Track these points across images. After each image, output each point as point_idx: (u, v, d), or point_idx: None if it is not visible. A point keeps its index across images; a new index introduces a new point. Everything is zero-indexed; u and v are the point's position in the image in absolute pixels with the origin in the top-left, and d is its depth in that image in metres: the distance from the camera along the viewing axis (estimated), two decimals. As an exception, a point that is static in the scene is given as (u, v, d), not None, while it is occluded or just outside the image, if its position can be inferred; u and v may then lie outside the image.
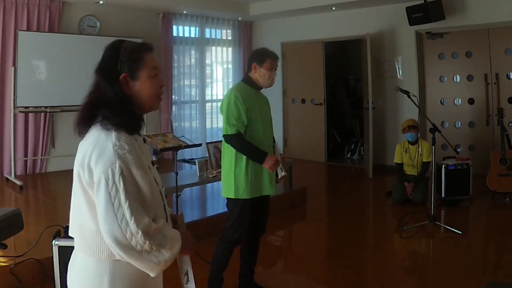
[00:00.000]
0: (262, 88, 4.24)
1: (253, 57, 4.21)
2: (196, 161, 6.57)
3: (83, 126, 2.10)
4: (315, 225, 6.92)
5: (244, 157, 4.07)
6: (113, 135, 2.00)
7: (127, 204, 1.91)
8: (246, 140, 4.04)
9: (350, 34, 10.50)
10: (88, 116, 2.08)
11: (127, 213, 1.90)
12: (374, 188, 9.06)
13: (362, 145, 11.24)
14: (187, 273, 2.34)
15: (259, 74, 4.14)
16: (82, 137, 2.11)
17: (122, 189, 1.91)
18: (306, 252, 5.77)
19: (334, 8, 10.27)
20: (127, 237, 1.88)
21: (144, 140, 2.20)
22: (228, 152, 4.16)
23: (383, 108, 10.19)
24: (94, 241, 2.01)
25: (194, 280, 2.32)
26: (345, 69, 12.94)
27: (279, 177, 4.23)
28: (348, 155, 11.73)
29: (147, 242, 1.91)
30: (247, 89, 4.15)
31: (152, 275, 2.01)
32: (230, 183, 4.13)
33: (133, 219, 1.89)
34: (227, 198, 4.21)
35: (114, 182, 1.91)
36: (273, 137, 4.42)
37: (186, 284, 2.35)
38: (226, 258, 4.26)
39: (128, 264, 1.99)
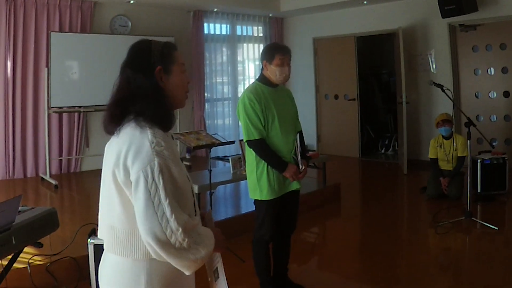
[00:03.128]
0: (278, 85, 4.15)
1: (263, 54, 4.12)
2: (230, 159, 6.56)
3: (113, 124, 2.07)
4: (349, 222, 6.86)
5: None
6: (148, 132, 1.98)
7: (167, 201, 1.89)
8: (269, 147, 4.01)
9: (382, 28, 10.37)
10: (120, 113, 2.06)
11: (167, 210, 1.89)
12: (408, 183, 8.95)
13: (396, 140, 11.10)
14: (216, 270, 2.32)
15: (270, 72, 4.05)
16: (110, 135, 2.11)
17: (161, 186, 1.90)
18: (340, 249, 5.72)
19: (365, 2, 10.16)
20: (167, 234, 1.87)
21: (172, 137, 2.17)
22: (250, 154, 4.14)
23: (416, 102, 10.04)
24: (129, 241, 2.01)
25: (225, 277, 2.30)
26: (378, 64, 12.79)
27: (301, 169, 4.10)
28: (382, 151, 11.60)
29: (186, 240, 1.90)
30: (261, 88, 4.07)
31: (187, 273, 2.00)
32: (254, 184, 4.12)
33: (173, 216, 1.88)
34: (254, 199, 4.20)
35: (153, 179, 1.90)
36: (298, 130, 4.32)
37: (215, 281, 2.33)
38: (265, 258, 4.25)
39: (163, 263, 1.98)
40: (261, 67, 4.15)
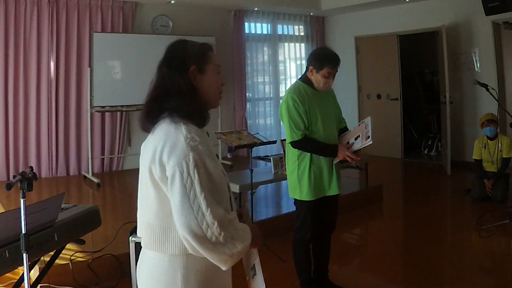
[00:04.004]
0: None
1: (312, 59, 4.02)
2: (271, 158, 6.53)
3: (149, 121, 2.12)
4: (391, 223, 6.77)
5: (306, 158, 4.01)
6: (183, 128, 2.02)
7: (203, 195, 1.91)
8: (314, 140, 3.97)
9: (424, 26, 10.18)
10: (156, 110, 2.10)
11: (203, 204, 1.90)
12: (452, 185, 8.78)
13: (440, 140, 10.89)
14: (253, 268, 2.31)
15: (314, 78, 4.00)
16: (147, 133, 2.15)
17: (197, 181, 1.92)
18: (382, 251, 5.65)
19: (407, 0, 10.00)
20: (203, 228, 1.89)
21: (208, 134, 2.19)
22: (291, 154, 4.12)
23: (460, 102, 9.84)
24: (166, 236, 2.04)
25: (262, 274, 2.28)
26: (421, 63, 12.56)
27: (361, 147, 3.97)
28: (425, 151, 11.41)
29: (222, 234, 1.91)
30: (305, 89, 4.03)
31: (224, 268, 2.01)
32: (294, 184, 4.10)
33: (209, 210, 1.90)
34: (294, 198, 4.17)
35: (188, 174, 1.92)
36: (343, 127, 4.29)
37: (253, 278, 2.31)
38: (305, 257, 4.23)
39: (200, 258, 2.00)
40: (306, 67, 4.08)
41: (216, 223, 1.89)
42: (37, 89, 8.52)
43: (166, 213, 2.01)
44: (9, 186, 2.70)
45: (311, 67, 3.98)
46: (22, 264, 2.88)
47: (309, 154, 4.00)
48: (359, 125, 4.06)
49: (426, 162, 10.79)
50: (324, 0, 11.03)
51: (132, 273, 4.07)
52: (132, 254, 3.95)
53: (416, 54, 12.25)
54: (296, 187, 4.06)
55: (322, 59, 3.96)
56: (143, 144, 2.19)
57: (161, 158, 1.97)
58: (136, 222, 2.21)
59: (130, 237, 4.00)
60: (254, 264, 2.31)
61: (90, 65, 8.54)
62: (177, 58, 2.13)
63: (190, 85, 2.09)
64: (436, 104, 10.85)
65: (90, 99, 8.47)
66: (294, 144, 3.98)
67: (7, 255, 2.98)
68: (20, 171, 2.93)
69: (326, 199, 4.11)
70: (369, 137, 3.86)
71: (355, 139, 4.00)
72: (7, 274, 3.58)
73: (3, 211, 4.13)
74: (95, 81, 8.42)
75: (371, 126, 3.91)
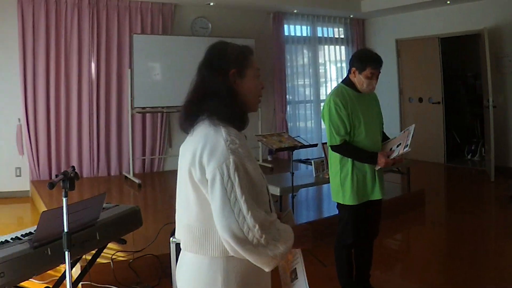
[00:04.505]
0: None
1: (354, 60, 3.98)
2: (312, 162, 6.49)
3: (188, 122, 2.15)
4: (434, 229, 6.67)
5: (349, 162, 3.97)
6: (222, 130, 2.02)
7: (243, 198, 1.91)
8: (354, 146, 3.94)
9: (466, 28, 9.97)
10: (195, 111, 2.12)
11: (244, 207, 1.90)
12: (496, 191, 8.59)
13: (483, 145, 10.65)
14: (294, 271, 2.28)
15: (357, 80, 3.95)
16: (187, 134, 2.16)
17: (237, 183, 1.92)
18: (424, 257, 5.56)
19: (449, 2, 9.82)
20: (244, 231, 1.89)
21: (245, 137, 2.16)
22: (334, 158, 4.09)
23: (504, 106, 9.63)
24: (206, 239, 2.04)
25: (306, 278, 2.23)
26: (463, 66, 12.33)
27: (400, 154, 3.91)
28: (469, 156, 11.17)
29: (264, 236, 1.91)
30: (347, 92, 3.99)
31: (266, 269, 2.01)
32: (337, 188, 4.06)
33: (250, 213, 1.90)
34: (336, 202, 4.13)
35: (229, 177, 1.93)
36: (383, 133, 4.23)
37: (292, 282, 2.27)
38: (347, 262, 4.19)
39: (241, 260, 2.00)
40: (348, 70, 4.04)
41: (257, 226, 1.89)
42: (79, 90, 8.62)
43: (206, 215, 2.02)
44: (51, 185, 2.73)
45: (353, 69, 3.94)
46: (64, 262, 2.91)
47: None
48: (403, 132, 4.00)
49: (469, 167, 10.58)
50: (364, 2, 10.90)
51: (173, 274, 4.08)
52: (173, 254, 3.95)
53: (458, 57, 12.03)
54: (339, 190, 4.02)
55: (365, 59, 3.92)
56: (182, 145, 2.21)
57: (201, 161, 1.99)
58: (176, 223, 2.20)
59: (171, 238, 4.01)
60: (295, 267, 2.27)
61: (130, 67, 8.60)
62: (217, 61, 2.13)
63: (229, 88, 2.10)
64: (479, 108, 10.61)
65: (131, 100, 8.53)
66: (332, 148, 3.98)
67: (49, 253, 3.01)
68: (62, 170, 2.94)
69: (370, 204, 4.06)
70: (407, 145, 3.82)
71: (397, 146, 3.94)
72: (48, 272, 3.63)
73: (46, 209, 4.17)
74: (136, 82, 8.47)
75: (412, 134, 3.87)
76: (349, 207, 4.00)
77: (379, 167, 3.93)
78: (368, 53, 4.02)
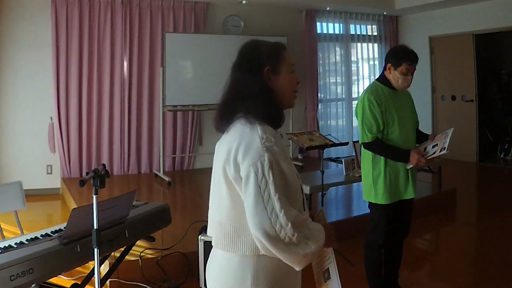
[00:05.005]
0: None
1: (390, 56, 3.97)
2: (343, 160, 6.48)
3: (224, 122, 2.14)
4: (465, 229, 6.57)
5: (382, 161, 3.93)
6: (258, 128, 2.02)
7: (277, 196, 1.91)
8: (386, 144, 3.90)
9: (502, 25, 9.80)
10: (230, 111, 2.11)
11: (277, 205, 1.89)
12: (529, 191, 8.41)
13: (517, 144, 10.49)
14: (327, 271, 2.26)
15: (393, 76, 3.91)
16: (222, 134, 2.16)
17: (271, 181, 1.92)
18: (454, 257, 5.47)
19: (483, -3, 9.66)
20: (276, 229, 1.88)
21: (281, 136, 2.17)
22: (366, 156, 4.06)
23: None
24: (238, 236, 2.05)
25: (339, 278, 2.21)
26: (497, 63, 12.14)
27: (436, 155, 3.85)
28: (501, 155, 11.02)
29: (296, 234, 1.90)
30: (382, 90, 3.96)
31: (297, 268, 2.00)
32: (369, 187, 4.03)
33: (282, 211, 1.89)
34: (368, 201, 4.09)
35: (263, 175, 1.93)
36: (419, 131, 4.19)
37: (326, 282, 2.25)
38: (376, 262, 4.14)
39: (271, 259, 1.99)
40: (383, 67, 4.01)
41: (289, 224, 1.88)
42: (111, 89, 8.71)
43: (238, 213, 2.01)
44: (82, 182, 2.75)
45: (389, 65, 3.91)
46: (93, 259, 2.94)
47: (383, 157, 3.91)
48: (441, 134, 3.94)
49: (502, 166, 10.43)
50: (397, -1, 10.79)
51: (200, 272, 4.08)
52: (201, 252, 3.97)
53: (492, 54, 11.84)
54: (371, 189, 3.99)
55: (400, 55, 3.89)
56: (217, 143, 2.19)
57: (236, 158, 1.99)
58: (206, 221, 2.20)
59: (200, 236, 4.02)
60: (328, 267, 2.26)
61: (162, 65, 8.64)
62: (250, 60, 2.13)
63: (265, 86, 2.09)
64: (514, 107, 10.46)
65: (162, 98, 8.57)
66: (365, 146, 3.95)
67: (79, 250, 3.04)
68: (93, 168, 2.96)
69: (401, 203, 4.01)
70: (445, 148, 3.76)
71: (432, 146, 3.89)
72: (77, 268, 3.66)
73: (76, 206, 4.21)
74: (167, 81, 8.50)
75: (450, 137, 3.80)
76: (381, 206, 3.96)
77: (411, 165, 3.87)
78: (404, 49, 3.99)
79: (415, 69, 3.92)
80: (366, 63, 11.74)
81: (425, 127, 4.22)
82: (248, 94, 2.07)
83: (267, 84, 2.09)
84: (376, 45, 11.82)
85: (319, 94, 10.77)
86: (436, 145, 3.86)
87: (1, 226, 4.17)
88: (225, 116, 2.13)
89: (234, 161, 1.98)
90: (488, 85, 11.60)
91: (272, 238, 1.88)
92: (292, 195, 1.99)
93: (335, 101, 11.22)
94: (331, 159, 8.46)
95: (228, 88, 2.15)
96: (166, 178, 8.24)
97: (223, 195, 2.06)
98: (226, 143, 2.07)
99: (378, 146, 3.88)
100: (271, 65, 2.11)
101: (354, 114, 4.08)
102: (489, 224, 6.63)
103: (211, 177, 2.19)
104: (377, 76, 4.14)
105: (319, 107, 10.80)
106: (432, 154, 3.83)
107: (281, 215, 1.88)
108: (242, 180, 1.96)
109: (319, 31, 10.84)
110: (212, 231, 2.15)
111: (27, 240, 3.15)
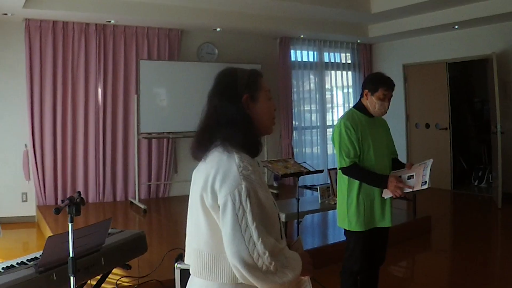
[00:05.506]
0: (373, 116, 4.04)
1: (367, 82, 4.03)
2: (318, 188, 6.49)
3: (201, 150, 2.12)
4: (439, 256, 6.59)
5: (356, 188, 3.94)
6: (235, 156, 2.02)
7: (254, 225, 1.91)
8: (364, 169, 3.90)
9: (474, 53, 9.97)
10: (207, 139, 2.11)
11: (255, 234, 1.90)
12: (503, 219, 8.51)
13: (491, 172, 10.58)
14: None
15: (370, 102, 3.96)
16: (198, 161, 2.16)
17: (249, 210, 1.92)
18: (428, 284, 5.49)
19: (456, 27, 9.81)
20: (253, 258, 1.89)
21: (258, 164, 2.17)
22: (341, 183, 4.07)
23: (512, 132, 9.57)
24: (215, 265, 2.04)
25: None
26: (470, 91, 12.32)
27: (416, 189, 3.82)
28: (475, 183, 11.10)
29: (273, 263, 1.91)
30: (358, 116, 4.00)
31: None
32: (343, 214, 4.03)
33: (260, 240, 1.90)
34: (343, 228, 4.10)
35: (241, 203, 1.93)
36: (394, 158, 4.19)
37: None
38: None
39: (250, 287, 1.98)
40: (360, 93, 4.06)
41: (267, 253, 1.89)
42: (85, 115, 8.67)
43: (216, 241, 2.01)
44: (57, 210, 2.74)
45: (366, 91, 3.97)
46: (69, 287, 2.90)
47: (357, 183, 3.93)
48: (419, 164, 3.88)
49: (476, 194, 10.51)
50: (371, 27, 10.93)
51: (176, 300, 4.05)
52: (177, 280, 3.94)
53: (465, 82, 12.05)
54: (345, 216, 3.99)
55: (377, 81, 3.95)
56: (194, 171, 2.19)
57: (213, 186, 1.99)
58: (182, 248, 2.19)
59: (176, 264, 4.00)
60: None
61: (137, 92, 8.65)
62: (228, 88, 2.13)
63: (243, 114, 2.10)
64: (487, 134, 10.58)
65: (137, 125, 8.56)
66: (343, 170, 3.94)
67: (55, 278, 3.02)
68: (68, 196, 2.95)
69: (377, 231, 4.02)
70: (426, 182, 3.72)
71: (408, 177, 3.84)
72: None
73: (51, 234, 4.17)
74: (142, 108, 8.50)
75: (429, 169, 3.77)
76: (356, 234, 3.97)
77: (389, 194, 3.86)
78: (381, 75, 4.05)
79: (391, 95, 3.96)
80: (340, 90, 11.81)
81: (400, 155, 4.26)
82: (226, 122, 2.08)
83: (245, 112, 2.10)
84: (350, 73, 11.94)
85: (293, 122, 10.82)
86: (412, 176, 3.81)
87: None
88: (202, 143, 2.13)
89: (212, 189, 1.99)
90: (461, 113, 11.79)
91: (249, 267, 1.88)
92: (269, 224, 1.99)
93: (310, 128, 11.28)
94: (306, 187, 8.49)
95: (205, 116, 2.16)
96: (142, 206, 8.18)
97: (200, 223, 2.06)
98: (204, 171, 2.07)
99: (356, 170, 3.89)
100: (249, 92, 2.12)
101: (331, 140, 4.10)
102: (464, 251, 6.66)
103: (187, 204, 2.19)
104: (351, 104, 4.22)
105: (294, 134, 10.84)
106: (412, 188, 3.77)
107: (259, 244, 1.89)
108: (220, 208, 1.96)
109: (293, 58, 10.92)
110: (190, 259, 2.14)
111: (2, 268, 3.12)
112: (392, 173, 3.99)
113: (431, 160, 3.84)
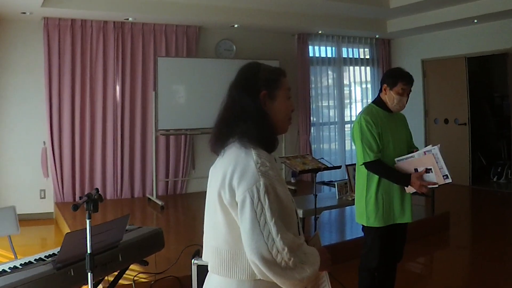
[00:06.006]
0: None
1: (386, 77, 4.03)
2: (336, 184, 6.47)
3: (219, 144, 2.13)
4: (458, 253, 6.56)
5: (375, 184, 3.93)
6: (253, 153, 2.02)
7: (273, 221, 1.91)
8: (387, 165, 3.88)
9: (494, 48, 9.88)
10: (225, 133, 2.12)
11: (273, 230, 1.90)
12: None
13: (510, 168, 10.51)
14: None
15: (388, 97, 3.95)
16: (216, 155, 2.16)
17: (267, 206, 1.92)
18: (447, 281, 5.45)
19: (475, 21, 9.71)
20: (273, 254, 1.89)
21: (275, 159, 2.16)
22: (360, 178, 4.05)
23: (532, 127, 9.46)
24: (234, 262, 2.03)
25: None
26: (490, 86, 12.19)
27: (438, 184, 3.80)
28: (494, 179, 10.99)
29: (292, 259, 1.90)
30: (377, 111, 3.99)
31: None
32: (362, 210, 4.03)
33: (279, 236, 1.89)
34: (361, 224, 4.09)
35: (259, 199, 1.93)
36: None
37: None
38: (370, 285, 4.11)
39: (268, 283, 1.98)
40: (379, 88, 4.05)
41: (286, 249, 1.89)
42: (103, 113, 8.73)
43: (234, 238, 2.01)
44: (75, 207, 2.75)
45: (384, 85, 3.96)
46: (87, 283, 2.93)
47: (376, 179, 3.91)
48: (424, 153, 3.79)
49: (495, 190, 10.42)
50: (390, 22, 10.86)
51: (193, 296, 4.06)
52: (194, 276, 3.94)
53: (485, 77, 11.91)
54: (364, 212, 3.98)
55: (396, 75, 3.95)
56: (211, 167, 2.19)
57: (231, 183, 1.98)
58: (199, 245, 2.19)
59: (193, 260, 4.00)
60: None
61: (155, 89, 8.67)
62: (248, 81, 2.14)
63: (260, 110, 2.10)
64: (507, 130, 10.48)
65: (155, 122, 8.59)
66: (367, 165, 3.90)
67: (72, 274, 3.03)
68: (86, 192, 2.97)
69: (395, 227, 4.01)
70: (447, 175, 3.69)
71: (427, 171, 3.78)
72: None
73: (69, 231, 4.20)
74: (160, 105, 8.52)
75: (442, 160, 3.70)
76: (375, 229, 3.96)
77: (413, 190, 3.85)
78: (400, 70, 4.05)
79: (410, 90, 3.95)
80: (359, 86, 11.77)
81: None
82: (243, 115, 2.08)
83: (262, 108, 2.10)
84: (368, 68, 11.88)
85: (311, 118, 10.79)
86: (430, 169, 3.74)
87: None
88: (219, 138, 2.13)
89: (229, 186, 1.98)
90: (481, 108, 11.64)
91: (268, 263, 1.88)
92: (287, 220, 1.98)
93: (328, 124, 11.24)
94: (324, 183, 8.47)
95: (224, 108, 2.16)
96: (159, 202, 8.21)
97: (218, 220, 2.05)
98: (221, 168, 2.06)
99: (380, 166, 3.87)
100: (268, 90, 2.12)
101: (350, 137, 4.08)
102: (482, 248, 6.61)
103: (204, 201, 2.18)
104: (369, 100, 4.19)
105: (312, 130, 10.82)
106: (436, 184, 3.75)
107: (278, 240, 1.88)
108: (238, 205, 1.95)
109: (311, 54, 10.90)
110: (208, 256, 2.14)
111: (21, 264, 3.14)
112: (396, 160, 3.90)
113: (437, 146, 3.73)
